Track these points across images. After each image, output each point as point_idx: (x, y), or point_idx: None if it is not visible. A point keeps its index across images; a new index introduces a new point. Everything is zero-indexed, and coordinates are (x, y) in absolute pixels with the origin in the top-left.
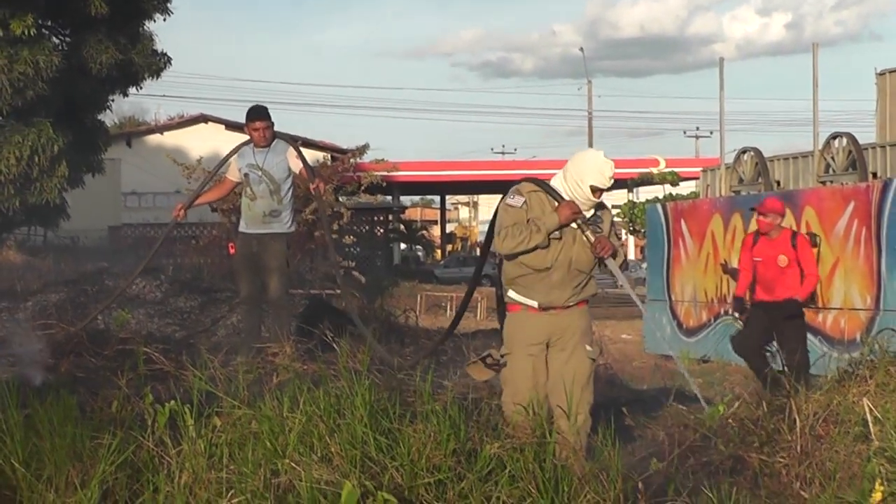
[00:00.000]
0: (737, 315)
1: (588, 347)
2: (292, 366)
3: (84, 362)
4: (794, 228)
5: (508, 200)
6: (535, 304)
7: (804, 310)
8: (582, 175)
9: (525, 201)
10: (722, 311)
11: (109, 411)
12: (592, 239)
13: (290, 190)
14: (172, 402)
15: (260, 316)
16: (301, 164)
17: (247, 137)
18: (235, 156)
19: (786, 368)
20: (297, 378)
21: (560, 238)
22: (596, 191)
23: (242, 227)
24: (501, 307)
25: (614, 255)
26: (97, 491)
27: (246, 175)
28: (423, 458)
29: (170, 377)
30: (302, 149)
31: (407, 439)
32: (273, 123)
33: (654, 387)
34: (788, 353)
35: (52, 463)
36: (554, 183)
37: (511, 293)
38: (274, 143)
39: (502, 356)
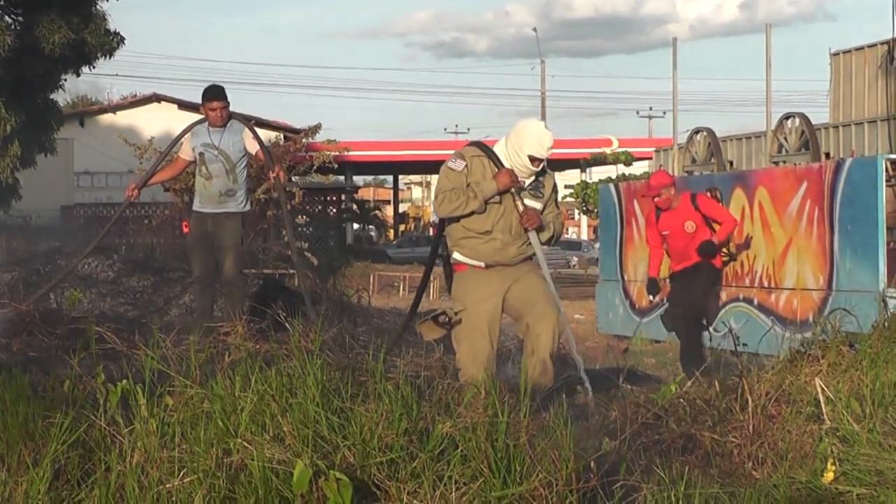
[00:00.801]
0: (651, 297)
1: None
2: (244, 345)
3: (36, 341)
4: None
5: (450, 164)
6: (481, 264)
7: (722, 261)
8: (522, 144)
9: (466, 165)
10: None
11: (61, 390)
12: (521, 209)
13: (245, 170)
14: (124, 381)
15: (213, 295)
16: (257, 146)
17: (201, 117)
18: (188, 135)
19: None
20: (250, 357)
21: (500, 203)
22: (534, 160)
23: (197, 206)
24: (448, 268)
25: (541, 230)
26: (49, 470)
27: (201, 154)
28: (375, 437)
29: (122, 356)
30: (255, 128)
31: (359, 418)
32: (229, 103)
33: (606, 366)
34: (686, 303)
35: (4, 442)
36: (497, 149)
37: (456, 254)
38: (230, 122)
39: (456, 313)
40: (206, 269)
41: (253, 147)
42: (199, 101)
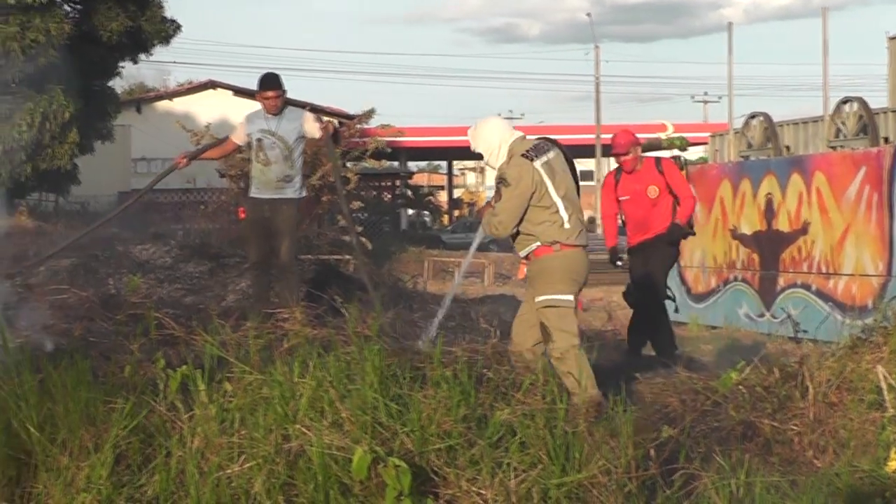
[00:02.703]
0: (619, 264)
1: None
2: (302, 331)
3: (96, 327)
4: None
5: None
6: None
7: (683, 238)
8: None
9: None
10: (731, 277)
11: (122, 376)
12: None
13: (302, 156)
14: (184, 367)
15: (269, 281)
16: (318, 127)
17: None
18: (244, 120)
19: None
20: (308, 343)
21: None
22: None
23: (254, 193)
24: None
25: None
26: (110, 455)
27: (259, 140)
28: (433, 424)
29: (181, 342)
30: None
31: (417, 405)
32: (285, 91)
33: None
34: (647, 284)
35: (66, 427)
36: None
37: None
38: (286, 109)
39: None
40: (262, 255)
41: (314, 129)
42: (255, 87)
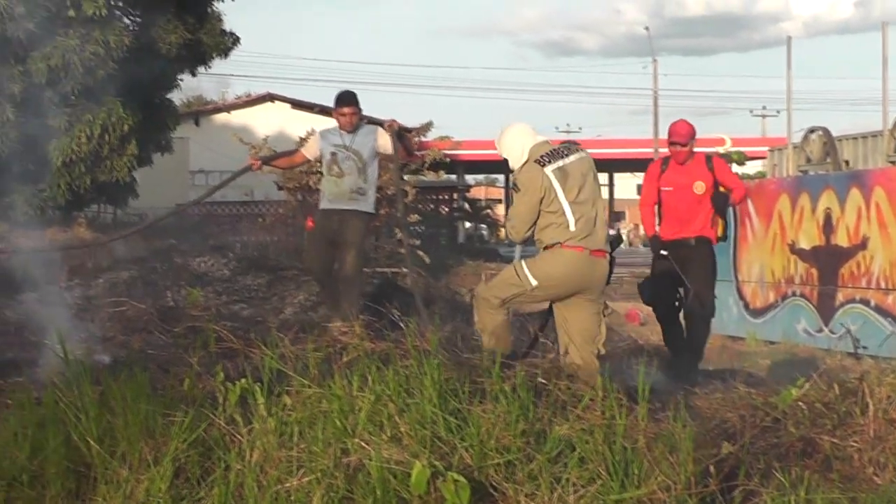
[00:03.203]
0: (663, 253)
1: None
2: (361, 345)
3: (155, 340)
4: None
5: None
6: None
7: (717, 238)
8: None
9: None
10: (789, 292)
11: (181, 389)
12: None
13: (376, 171)
14: (243, 380)
15: (335, 289)
16: (390, 143)
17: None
18: (317, 135)
19: (686, 311)
20: (366, 357)
21: None
22: None
23: (325, 205)
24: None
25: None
26: (170, 468)
27: (333, 154)
28: (492, 438)
29: (239, 355)
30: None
31: (476, 420)
32: (360, 109)
33: (721, 367)
34: (696, 295)
35: (126, 440)
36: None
37: None
38: (362, 126)
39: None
40: (325, 266)
41: (386, 145)
42: (312, 100)
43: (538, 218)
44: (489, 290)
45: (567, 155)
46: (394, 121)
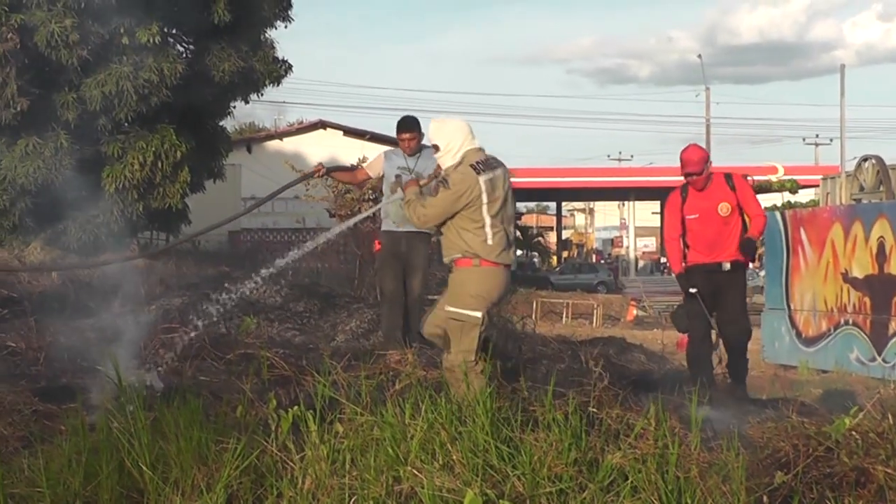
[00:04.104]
0: (692, 291)
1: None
2: (414, 373)
3: (207, 366)
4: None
5: None
6: None
7: (754, 256)
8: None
9: None
10: (842, 321)
11: (233, 416)
12: None
13: None
14: (296, 407)
15: (401, 313)
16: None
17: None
18: (382, 156)
19: (725, 339)
20: (419, 385)
21: None
22: None
23: (390, 227)
24: None
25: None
26: (223, 495)
27: (397, 176)
28: (544, 467)
29: (291, 382)
30: None
31: (528, 448)
32: (421, 134)
33: (773, 396)
34: (730, 322)
35: (179, 466)
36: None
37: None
38: (425, 150)
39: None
40: (396, 287)
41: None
42: (364, 128)
43: (454, 220)
44: (460, 356)
45: (496, 167)
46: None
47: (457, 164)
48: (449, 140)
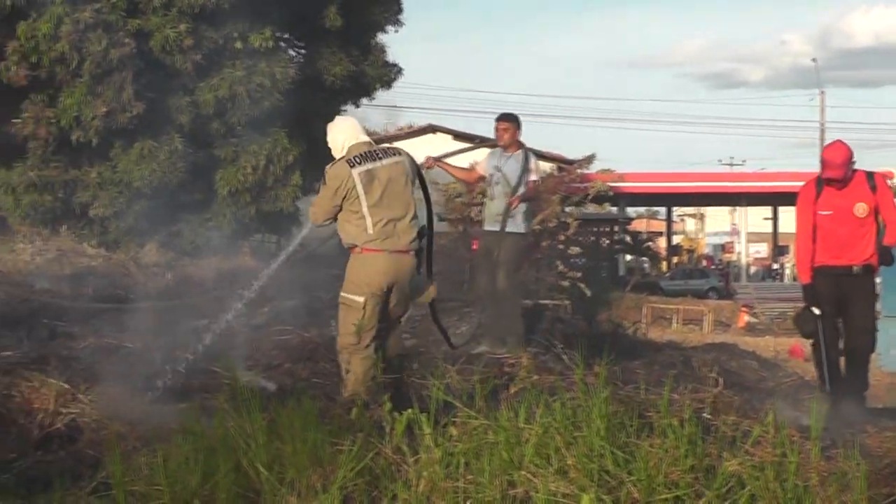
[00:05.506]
0: (816, 312)
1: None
2: (528, 377)
3: (320, 368)
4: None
5: None
6: None
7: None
8: None
9: None
10: None
11: (348, 417)
12: None
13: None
14: (410, 410)
15: (499, 311)
16: (532, 172)
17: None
18: (488, 153)
19: (849, 347)
20: (534, 389)
21: None
22: None
23: (484, 226)
24: None
25: None
26: (338, 496)
27: (490, 175)
28: (660, 473)
29: (403, 385)
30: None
31: (644, 454)
32: (514, 127)
33: (891, 405)
34: (857, 331)
35: (294, 467)
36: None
37: None
38: (519, 151)
39: None
40: (487, 284)
41: (528, 173)
42: (474, 132)
43: (342, 212)
44: (343, 338)
45: (380, 158)
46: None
47: (336, 161)
48: (333, 140)
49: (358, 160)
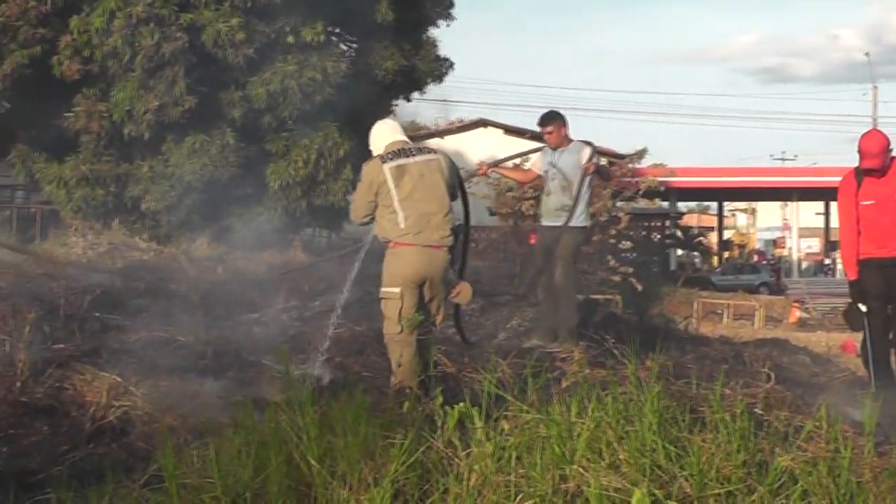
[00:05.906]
0: (863, 309)
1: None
2: (580, 371)
3: (371, 362)
4: None
5: None
6: None
7: None
8: None
9: None
10: None
11: (400, 411)
12: None
13: (585, 188)
14: (461, 404)
15: (554, 305)
16: (586, 159)
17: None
18: (541, 152)
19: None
20: (586, 383)
21: None
22: None
23: (542, 221)
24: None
25: None
26: (389, 489)
27: (545, 172)
28: (712, 468)
29: (453, 378)
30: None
31: (696, 449)
32: (559, 126)
33: None
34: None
35: (346, 460)
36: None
37: None
38: (571, 144)
39: None
40: (544, 279)
41: (584, 159)
42: (524, 126)
43: (378, 208)
44: (388, 327)
45: (413, 155)
46: (591, 163)
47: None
48: (373, 142)
49: (390, 156)
